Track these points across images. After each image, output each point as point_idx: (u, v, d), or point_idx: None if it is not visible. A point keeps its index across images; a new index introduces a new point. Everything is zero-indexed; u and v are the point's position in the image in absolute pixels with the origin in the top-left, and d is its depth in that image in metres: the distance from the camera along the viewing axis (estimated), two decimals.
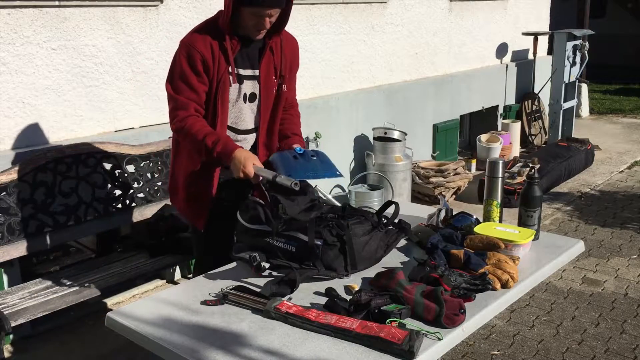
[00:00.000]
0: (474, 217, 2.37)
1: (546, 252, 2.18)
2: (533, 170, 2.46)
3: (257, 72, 2.37)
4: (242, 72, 2.35)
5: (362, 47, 5.37)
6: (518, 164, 5.84)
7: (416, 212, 2.60)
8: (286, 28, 2.41)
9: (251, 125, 2.46)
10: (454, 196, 5.55)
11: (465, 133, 7.41)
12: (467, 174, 5.63)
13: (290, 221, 2.06)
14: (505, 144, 6.56)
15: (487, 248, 2.07)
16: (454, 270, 1.94)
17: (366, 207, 2.27)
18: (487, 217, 2.39)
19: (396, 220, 2.20)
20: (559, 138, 7.06)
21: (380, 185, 4.99)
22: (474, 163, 6.36)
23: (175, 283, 3.95)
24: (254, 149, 2.49)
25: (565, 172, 6.00)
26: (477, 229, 2.20)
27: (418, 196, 5.45)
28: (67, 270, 3.23)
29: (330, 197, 4.69)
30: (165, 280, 3.97)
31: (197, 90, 2.28)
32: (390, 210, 2.22)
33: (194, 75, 2.26)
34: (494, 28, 7.09)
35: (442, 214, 2.38)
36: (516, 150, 6.90)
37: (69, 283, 3.06)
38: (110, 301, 3.70)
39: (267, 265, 2.02)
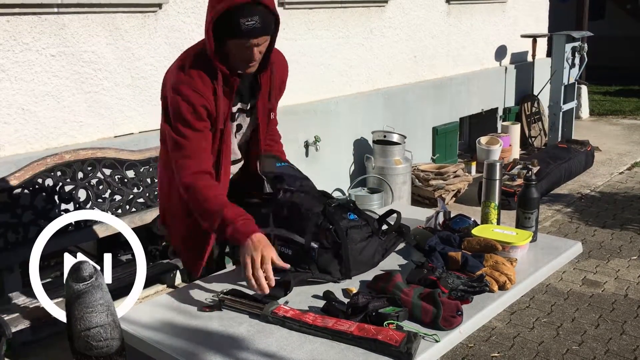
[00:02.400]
0: (472, 219, 2.38)
1: (544, 254, 2.19)
2: (530, 172, 2.46)
3: (247, 106, 2.18)
4: (233, 108, 2.14)
5: (361, 51, 5.38)
6: (518, 166, 5.84)
7: (414, 215, 2.60)
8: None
9: (239, 156, 2.33)
10: (454, 199, 5.56)
11: (465, 135, 7.41)
12: (467, 176, 5.63)
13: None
14: (505, 146, 6.57)
15: (485, 250, 2.08)
16: (451, 273, 1.94)
17: (367, 210, 2.27)
18: (485, 219, 2.40)
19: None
20: (559, 140, 7.05)
21: (380, 189, 5.00)
22: (473, 165, 6.37)
23: (176, 288, 3.96)
24: (246, 172, 2.38)
25: (565, 174, 6.00)
26: (475, 231, 2.21)
27: (418, 199, 5.46)
28: None
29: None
30: (165, 285, 3.97)
31: (204, 133, 2.02)
32: (392, 218, 2.22)
33: (198, 121, 1.99)
34: (492, 30, 7.10)
35: (440, 216, 2.39)
36: (516, 153, 6.90)
37: None
38: None
39: None
